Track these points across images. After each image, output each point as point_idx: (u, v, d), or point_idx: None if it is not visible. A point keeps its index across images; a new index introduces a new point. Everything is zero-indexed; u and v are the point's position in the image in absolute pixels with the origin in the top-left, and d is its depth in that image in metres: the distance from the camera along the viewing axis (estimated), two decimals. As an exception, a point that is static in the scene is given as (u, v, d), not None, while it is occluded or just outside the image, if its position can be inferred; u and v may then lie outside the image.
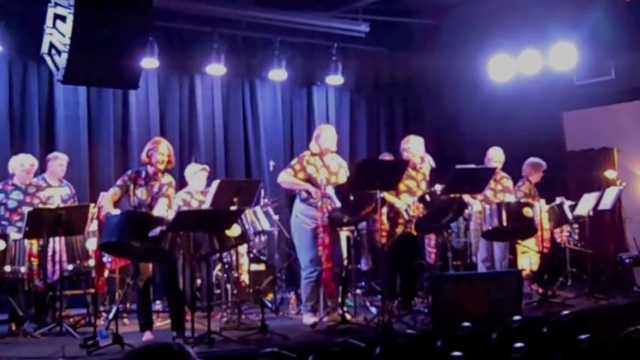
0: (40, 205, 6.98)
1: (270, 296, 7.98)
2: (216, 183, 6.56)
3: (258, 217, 7.61)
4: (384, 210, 6.83)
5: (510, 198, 8.04)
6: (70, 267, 6.86)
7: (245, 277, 7.58)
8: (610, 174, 9.80)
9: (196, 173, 7.78)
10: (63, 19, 6.02)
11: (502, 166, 8.22)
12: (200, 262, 7.19)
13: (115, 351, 5.48)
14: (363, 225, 7.71)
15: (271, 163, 8.85)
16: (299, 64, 10.16)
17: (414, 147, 7.31)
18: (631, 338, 4.36)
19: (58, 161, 7.56)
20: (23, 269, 6.61)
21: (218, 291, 7.82)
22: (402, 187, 7.10)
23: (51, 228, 6.35)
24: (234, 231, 6.43)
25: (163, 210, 6.18)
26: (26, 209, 6.65)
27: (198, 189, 7.69)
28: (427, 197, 6.96)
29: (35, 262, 6.58)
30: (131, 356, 2.37)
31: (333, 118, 10.62)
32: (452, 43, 9.95)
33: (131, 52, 6.39)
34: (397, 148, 8.03)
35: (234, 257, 7.51)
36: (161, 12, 7.80)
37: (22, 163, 7.17)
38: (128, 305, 7.39)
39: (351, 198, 6.53)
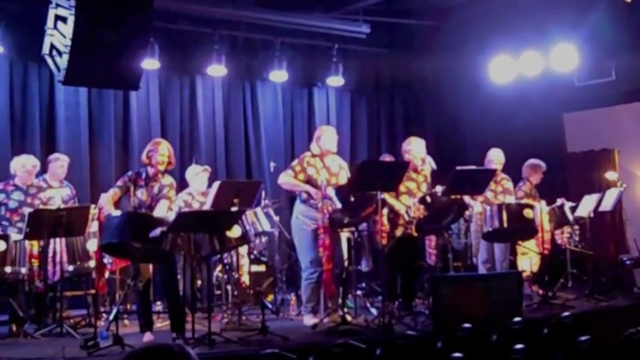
0: (41, 206, 6.98)
1: (270, 297, 7.98)
2: (216, 184, 6.56)
3: (259, 218, 7.61)
4: (385, 211, 6.83)
5: (510, 199, 8.04)
6: (71, 268, 6.87)
7: (245, 278, 7.58)
8: (610, 175, 9.81)
9: (198, 174, 7.79)
10: (64, 20, 6.03)
11: (502, 168, 8.22)
12: (201, 263, 7.19)
13: (116, 352, 5.48)
14: (363, 226, 7.72)
15: (272, 164, 8.85)
16: (299, 65, 10.16)
17: (415, 149, 7.31)
18: (631, 340, 4.35)
19: (59, 162, 7.57)
20: (24, 270, 6.61)
21: (218, 292, 7.82)
22: (402, 188, 7.11)
23: (51, 229, 6.35)
24: (235, 232, 6.43)
25: (164, 211, 6.19)
26: (27, 210, 6.66)
27: (200, 190, 7.69)
28: (428, 198, 6.96)
29: (36, 263, 6.59)
30: (132, 357, 2.37)
31: (334, 119, 10.62)
32: (452, 44, 9.95)
33: (132, 53, 6.39)
34: (398, 149, 8.04)
35: (234, 258, 7.51)
36: (162, 13, 7.81)
37: (23, 164, 7.17)
38: (128, 306, 7.39)
39: (352, 199, 6.53)
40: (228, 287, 7.61)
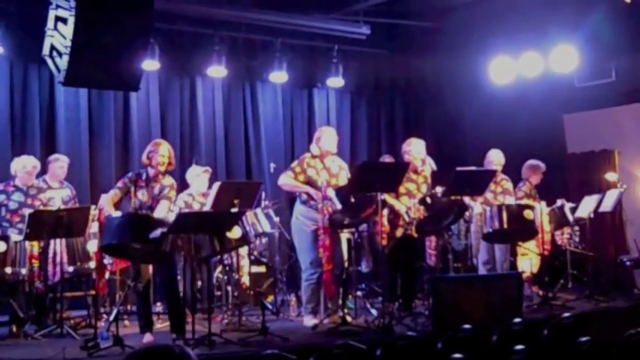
0: (41, 207, 6.99)
1: (270, 298, 7.99)
2: (216, 185, 6.56)
3: (259, 219, 7.61)
4: (385, 212, 6.83)
5: (510, 200, 8.04)
6: (71, 269, 6.87)
7: (246, 279, 7.59)
8: (611, 176, 9.81)
9: (199, 175, 7.79)
10: (64, 21, 6.03)
11: (502, 168, 8.23)
12: (201, 264, 7.19)
13: (116, 353, 5.48)
14: (363, 227, 7.71)
15: (272, 165, 8.85)
16: (300, 66, 10.16)
17: (415, 150, 7.31)
18: (632, 341, 4.36)
19: (59, 163, 7.57)
20: (24, 271, 6.62)
21: (219, 293, 7.82)
22: (401, 189, 7.11)
23: (52, 230, 6.36)
24: (235, 233, 6.44)
25: (164, 212, 6.19)
26: (27, 211, 6.67)
27: (200, 191, 7.69)
28: (428, 199, 6.96)
29: (36, 263, 6.59)
30: (132, 358, 2.37)
31: (334, 121, 10.62)
32: (452, 45, 9.94)
33: (132, 54, 6.39)
34: (398, 150, 8.04)
35: (234, 259, 7.51)
36: (162, 14, 7.81)
37: (24, 165, 7.18)
38: (129, 307, 7.39)
39: (352, 200, 6.53)
40: (229, 288, 7.61)
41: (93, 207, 6.80)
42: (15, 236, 6.74)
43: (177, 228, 5.82)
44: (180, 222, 5.83)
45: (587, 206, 8.43)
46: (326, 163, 6.88)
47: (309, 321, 6.71)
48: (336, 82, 10.18)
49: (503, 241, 7.94)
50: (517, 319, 5.38)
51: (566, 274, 8.86)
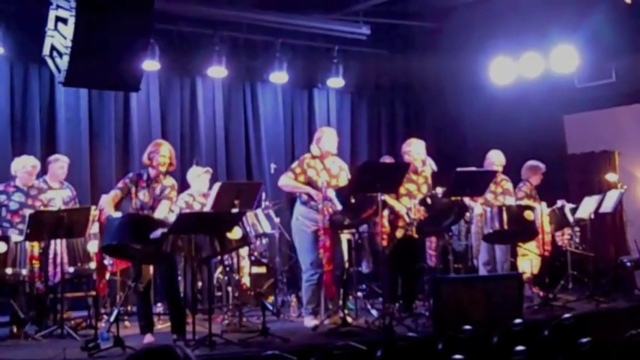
0: (42, 208, 6.98)
1: (271, 299, 7.98)
2: (217, 186, 6.56)
3: (260, 220, 7.61)
4: (385, 213, 6.83)
5: (510, 200, 8.04)
6: (71, 269, 6.87)
7: (246, 280, 7.59)
8: (611, 177, 9.80)
9: (199, 176, 7.79)
10: (64, 21, 6.02)
11: (503, 169, 8.22)
12: (201, 265, 7.19)
13: (116, 353, 5.48)
14: (364, 228, 7.71)
15: (272, 166, 8.85)
16: (300, 66, 10.16)
17: (415, 150, 7.31)
18: (632, 342, 4.35)
19: (59, 163, 7.57)
20: (24, 271, 6.61)
21: (219, 293, 7.82)
22: (402, 190, 7.11)
23: (52, 230, 6.35)
24: (236, 233, 6.44)
25: (165, 212, 6.19)
26: (27, 211, 6.67)
27: (201, 191, 7.69)
28: (428, 200, 6.96)
29: (36, 264, 6.59)
30: (132, 359, 2.37)
31: (334, 121, 10.62)
32: (453, 45, 9.94)
33: (132, 55, 6.39)
34: (398, 150, 8.04)
35: (235, 260, 7.51)
36: (162, 14, 7.80)
37: (23, 165, 7.19)
38: (129, 308, 7.39)
39: (352, 201, 6.53)
40: (229, 289, 7.61)
41: (93, 207, 6.80)
42: (15, 237, 6.74)
43: (178, 228, 5.82)
44: (180, 222, 5.83)
45: (587, 207, 8.43)
46: (326, 164, 6.88)
47: (310, 322, 6.71)
48: (336, 82, 10.18)
49: (504, 242, 7.94)
50: (517, 320, 5.38)
51: (567, 275, 8.85)
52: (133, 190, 6.26)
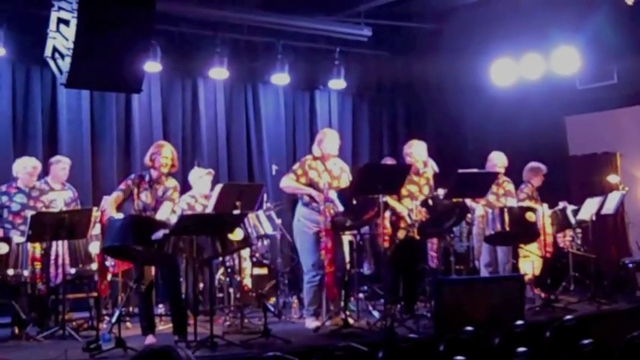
0: (43, 209, 6.99)
1: (272, 300, 7.98)
2: (218, 187, 6.57)
3: (261, 221, 7.61)
4: (387, 214, 6.83)
5: (512, 202, 8.04)
6: (73, 270, 6.88)
7: (248, 281, 7.59)
8: (613, 179, 9.79)
9: (202, 177, 7.79)
10: (66, 23, 6.03)
11: (504, 171, 8.22)
12: (203, 266, 7.19)
13: (118, 354, 5.49)
14: (365, 229, 7.70)
15: (274, 167, 8.86)
16: (302, 68, 10.17)
17: (416, 152, 7.31)
18: (634, 343, 4.35)
19: (61, 165, 7.57)
20: (26, 273, 6.62)
21: (221, 295, 7.82)
22: (403, 191, 7.11)
23: (54, 231, 6.36)
24: (237, 235, 6.44)
25: (167, 213, 6.19)
26: (29, 213, 6.67)
27: (203, 193, 7.69)
28: (430, 201, 6.96)
29: (38, 265, 6.59)
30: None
31: (336, 122, 10.63)
32: (454, 47, 9.95)
33: (134, 56, 6.39)
34: (399, 152, 8.04)
35: (236, 261, 7.51)
36: (164, 16, 7.81)
37: (24, 166, 7.20)
38: (131, 309, 7.38)
39: (354, 202, 6.53)
40: (231, 290, 7.61)
41: (95, 209, 6.81)
42: (17, 238, 6.75)
43: (180, 230, 5.83)
44: (182, 224, 5.83)
45: (589, 208, 8.42)
46: (327, 165, 6.88)
47: (311, 323, 6.71)
48: (337, 84, 10.18)
49: (505, 244, 7.94)
50: (519, 322, 5.37)
51: (568, 277, 8.84)
52: (135, 191, 6.27)
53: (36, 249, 6.60)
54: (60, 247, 6.63)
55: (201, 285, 7.51)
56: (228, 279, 7.66)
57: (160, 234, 5.72)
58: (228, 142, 9.95)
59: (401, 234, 7.11)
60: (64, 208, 6.95)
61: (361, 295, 7.94)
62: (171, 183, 6.39)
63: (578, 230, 8.91)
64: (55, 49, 6.21)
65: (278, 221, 8.31)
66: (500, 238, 7.61)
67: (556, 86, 10.03)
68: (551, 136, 10.37)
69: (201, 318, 6.49)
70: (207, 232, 6.08)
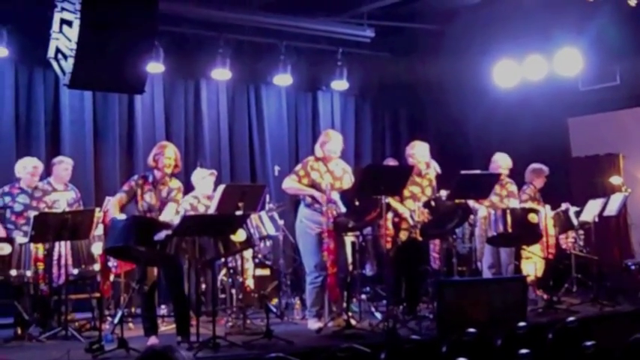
0: (46, 210, 7.00)
1: (275, 301, 7.98)
2: (221, 188, 6.57)
3: (264, 222, 7.61)
4: (389, 215, 6.83)
5: (515, 203, 8.03)
6: (76, 271, 6.89)
7: (250, 282, 7.60)
8: (615, 180, 9.78)
9: (204, 178, 7.80)
10: (69, 23, 6.03)
11: (509, 172, 8.21)
12: (205, 267, 7.20)
13: (120, 355, 5.50)
14: (368, 230, 7.71)
15: (276, 168, 8.85)
16: (304, 69, 10.17)
17: (419, 153, 7.31)
18: (637, 345, 4.34)
19: (63, 165, 7.58)
20: (29, 273, 6.63)
21: (223, 296, 7.83)
22: (406, 193, 7.10)
23: (57, 232, 6.37)
24: (240, 236, 6.45)
25: (172, 214, 6.18)
26: (32, 213, 6.68)
27: (205, 193, 7.69)
28: (432, 203, 6.96)
29: (41, 266, 6.60)
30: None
31: (338, 123, 10.64)
32: (457, 48, 9.94)
33: (137, 57, 6.39)
34: (402, 153, 8.04)
35: (239, 262, 7.50)
36: (166, 16, 7.81)
37: (24, 166, 7.22)
38: (133, 309, 7.39)
39: (356, 203, 6.53)
40: (233, 291, 7.62)
41: (97, 209, 6.81)
42: (20, 238, 6.76)
43: (182, 230, 5.83)
44: (184, 224, 5.83)
45: (591, 210, 8.42)
46: (329, 167, 6.88)
47: (314, 324, 6.71)
48: (340, 84, 10.18)
49: (508, 245, 7.94)
50: (522, 323, 5.37)
51: (571, 278, 8.83)
52: (139, 192, 6.27)
53: (39, 249, 6.61)
54: (63, 248, 6.64)
55: (203, 286, 7.51)
56: (230, 280, 7.66)
57: (162, 235, 5.73)
58: (230, 142, 9.96)
59: (403, 235, 7.11)
60: (67, 209, 6.96)
61: (363, 297, 7.94)
62: (176, 184, 6.40)
63: (581, 232, 8.90)
64: (57, 50, 6.22)
65: (280, 222, 8.31)
66: (502, 240, 7.61)
67: (559, 87, 10.03)
68: (554, 137, 10.36)
69: (203, 319, 6.50)
70: (209, 232, 6.08)
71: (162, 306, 7.41)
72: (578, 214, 8.44)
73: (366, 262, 8.12)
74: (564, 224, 8.40)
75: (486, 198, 7.55)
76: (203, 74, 9.60)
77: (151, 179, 6.32)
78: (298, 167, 6.94)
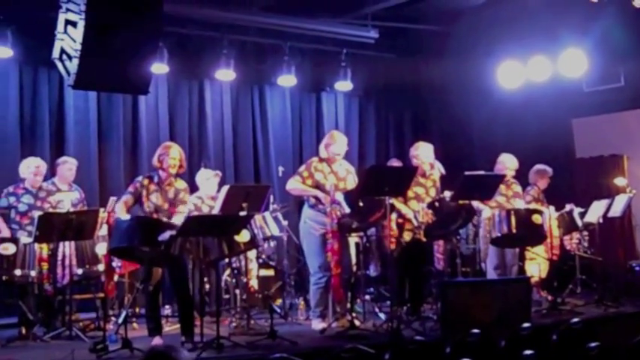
0: (51, 210, 7.01)
1: (279, 302, 7.99)
2: (225, 188, 6.58)
3: (268, 223, 7.62)
4: (393, 216, 6.83)
5: (520, 203, 8.01)
6: (80, 271, 6.90)
7: (254, 283, 7.60)
8: (620, 181, 9.75)
9: (209, 179, 7.81)
10: (74, 24, 6.04)
11: (515, 173, 8.20)
12: (209, 268, 7.20)
13: (125, 355, 5.51)
14: (372, 231, 7.71)
15: (280, 169, 8.86)
16: (308, 69, 10.18)
17: (423, 154, 7.31)
18: (641, 346, 4.34)
19: (67, 165, 7.59)
20: (33, 273, 6.65)
21: (227, 296, 7.83)
22: (410, 194, 7.10)
23: (61, 232, 6.38)
24: (244, 236, 6.44)
25: (184, 217, 6.16)
26: (36, 213, 6.69)
27: (210, 194, 7.70)
28: (436, 204, 6.96)
29: (45, 266, 6.61)
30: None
31: (342, 124, 10.65)
32: (461, 49, 9.94)
33: (141, 58, 6.40)
34: (406, 154, 8.03)
35: (243, 262, 7.52)
36: (171, 18, 7.81)
37: (28, 166, 7.24)
38: (137, 310, 7.40)
39: (360, 204, 6.53)
40: (237, 291, 7.62)
41: (102, 210, 6.82)
42: (24, 238, 6.77)
43: (186, 231, 5.83)
44: (188, 225, 5.83)
45: (596, 211, 8.40)
46: (333, 167, 6.89)
47: (318, 325, 6.71)
48: (344, 85, 10.19)
49: (512, 246, 7.92)
50: (526, 324, 5.37)
51: (575, 279, 8.83)
52: (144, 193, 6.27)
53: (43, 249, 6.62)
54: (67, 248, 6.66)
55: (207, 286, 7.52)
56: (234, 280, 7.67)
57: (166, 235, 5.73)
58: (234, 143, 9.97)
59: (407, 236, 7.10)
60: (71, 209, 6.97)
61: (367, 297, 7.95)
62: (182, 185, 6.42)
63: (585, 233, 8.88)
64: (62, 51, 6.23)
65: (284, 223, 8.32)
66: (506, 241, 7.60)
67: (563, 89, 10.02)
68: (558, 138, 10.35)
69: (207, 319, 6.51)
70: (213, 233, 6.08)
71: (167, 306, 7.42)
72: (582, 215, 8.43)
73: (370, 262, 8.12)
74: (569, 225, 8.39)
75: (490, 199, 7.54)
76: (207, 75, 9.61)
77: (156, 180, 6.33)
78: (302, 168, 6.94)
